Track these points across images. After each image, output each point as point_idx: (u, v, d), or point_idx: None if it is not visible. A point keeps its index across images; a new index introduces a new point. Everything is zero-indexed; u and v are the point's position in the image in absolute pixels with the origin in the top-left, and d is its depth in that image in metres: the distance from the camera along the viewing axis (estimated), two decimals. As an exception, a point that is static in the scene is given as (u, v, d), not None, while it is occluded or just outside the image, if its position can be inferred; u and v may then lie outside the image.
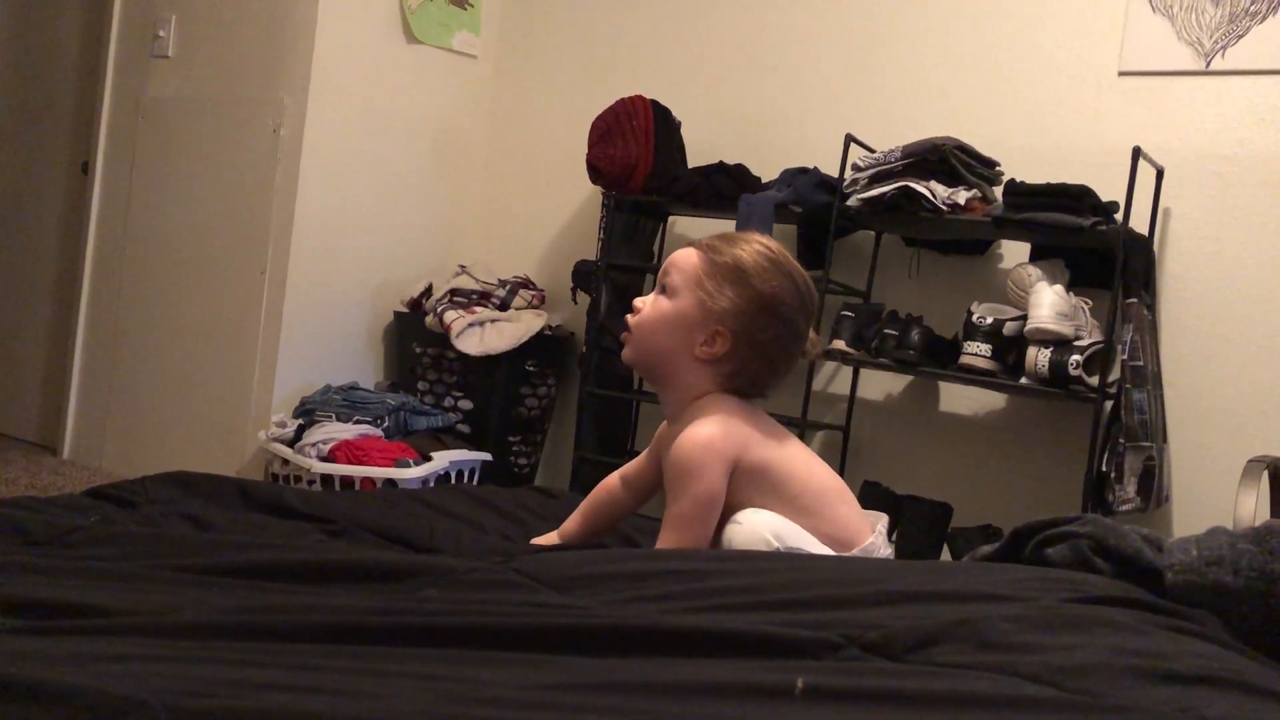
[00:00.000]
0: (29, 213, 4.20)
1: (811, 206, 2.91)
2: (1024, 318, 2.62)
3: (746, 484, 1.50)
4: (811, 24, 3.30)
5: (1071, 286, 2.67)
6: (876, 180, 2.79)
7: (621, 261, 3.29)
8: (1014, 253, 2.94)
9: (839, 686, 0.88)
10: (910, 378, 3.05)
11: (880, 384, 3.13)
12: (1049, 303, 2.56)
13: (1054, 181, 2.64)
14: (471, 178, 3.89)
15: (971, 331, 2.67)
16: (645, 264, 3.37)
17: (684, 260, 1.56)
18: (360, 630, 0.99)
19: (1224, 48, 2.71)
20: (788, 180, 2.99)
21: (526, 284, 3.61)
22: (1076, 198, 2.59)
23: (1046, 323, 2.55)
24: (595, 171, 3.26)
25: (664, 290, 1.56)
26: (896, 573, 1.22)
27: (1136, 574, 1.21)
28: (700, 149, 3.33)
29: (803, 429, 2.83)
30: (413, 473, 2.99)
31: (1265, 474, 2.31)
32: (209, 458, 3.36)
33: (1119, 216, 2.58)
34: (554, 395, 3.60)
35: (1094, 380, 2.56)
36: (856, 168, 2.85)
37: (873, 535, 1.52)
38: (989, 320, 2.66)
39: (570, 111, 3.63)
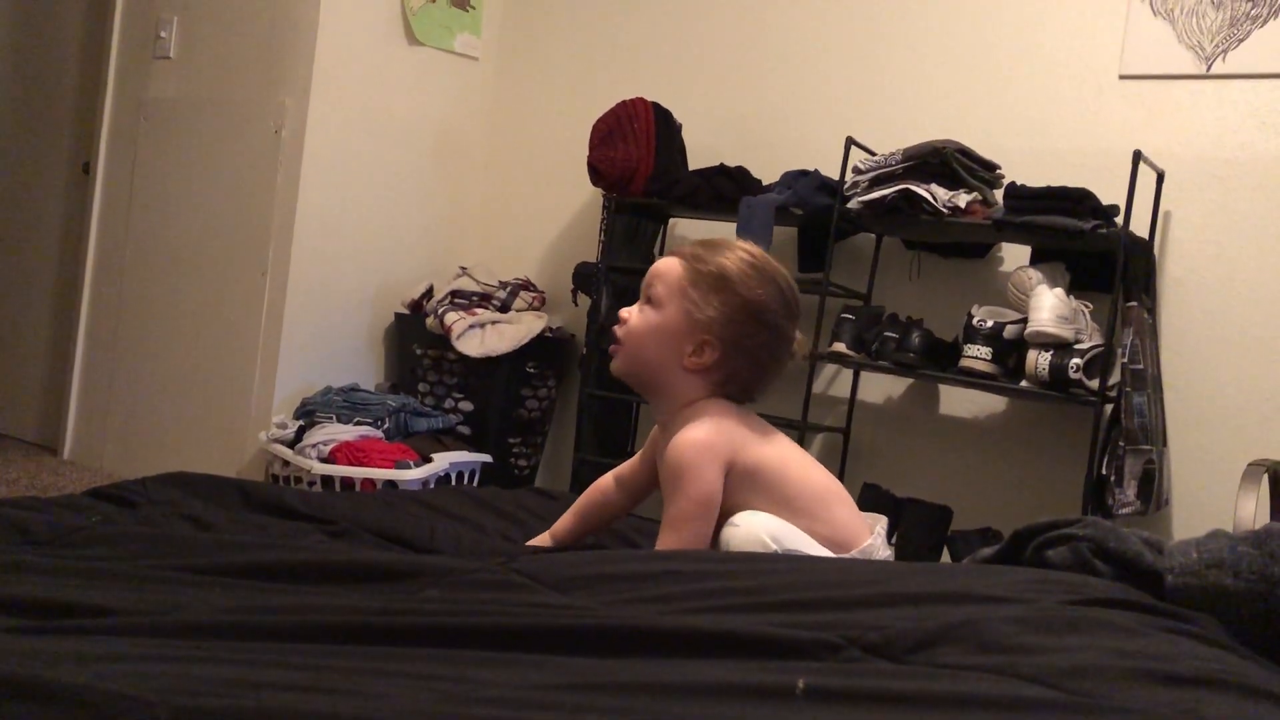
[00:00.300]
0: (30, 213, 4.21)
1: (812, 209, 2.91)
2: (1024, 321, 2.62)
3: (743, 486, 1.50)
4: (812, 27, 3.30)
5: (1072, 290, 2.67)
6: (877, 183, 2.79)
7: (622, 264, 3.29)
8: (1014, 256, 2.94)
9: (839, 687, 0.88)
10: (910, 381, 3.05)
11: (880, 387, 3.13)
12: (1049, 306, 2.56)
13: (1054, 185, 2.64)
14: (473, 179, 3.90)
15: (972, 334, 2.68)
16: (646, 266, 3.34)
17: (668, 270, 1.56)
18: (361, 630, 0.99)
19: (1225, 51, 2.71)
20: (788, 183, 2.99)
21: (527, 286, 3.61)
22: (1077, 201, 2.59)
23: (1047, 326, 2.55)
24: (596, 173, 3.26)
25: (649, 301, 1.57)
26: (897, 574, 1.22)
27: (1137, 576, 1.21)
28: (701, 151, 3.33)
29: (803, 431, 2.83)
30: (413, 474, 2.99)
31: (1265, 477, 2.31)
32: (209, 458, 3.36)
33: (1119, 220, 2.58)
34: (554, 397, 3.60)
35: (1094, 383, 2.56)
36: (857, 170, 2.85)
37: (871, 537, 1.52)
38: (989, 323, 2.66)
39: (571, 113, 3.63)
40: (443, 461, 3.10)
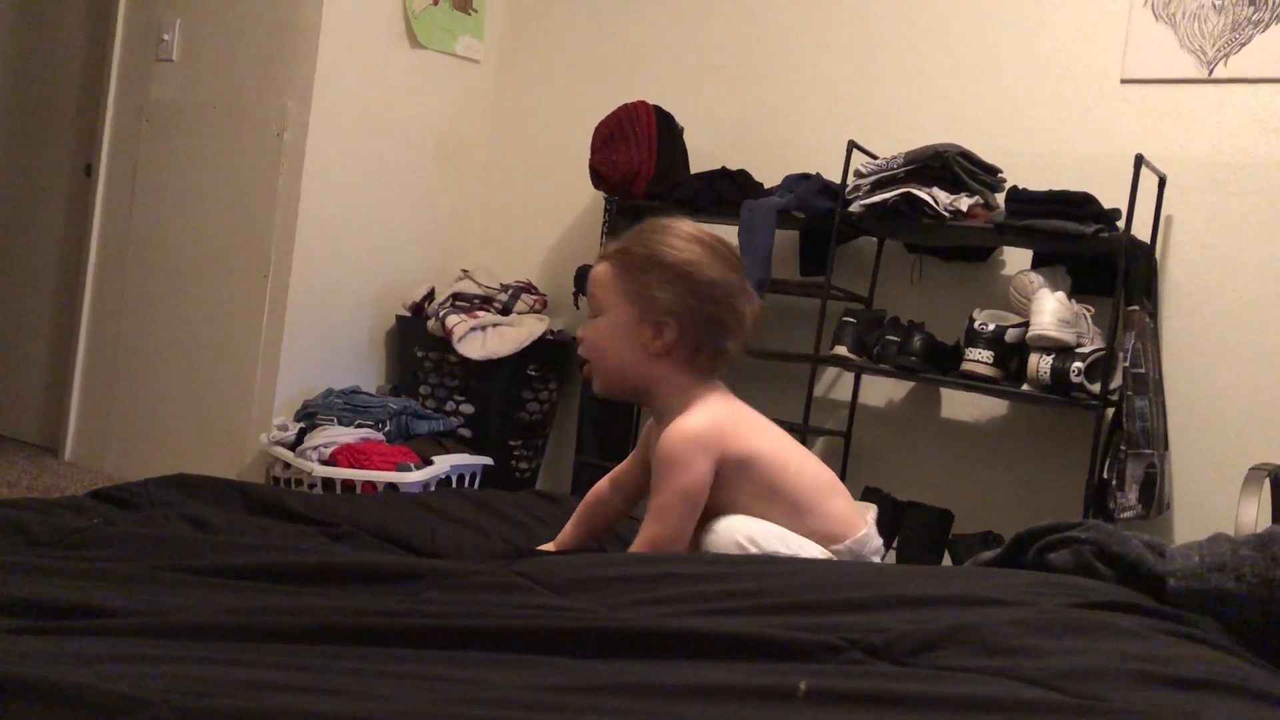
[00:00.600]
0: (32, 215, 4.21)
1: (814, 212, 2.91)
2: (1026, 324, 2.62)
3: (736, 477, 1.50)
4: (814, 30, 3.31)
5: (1073, 293, 2.67)
6: (879, 186, 2.80)
7: (623, 266, 3.29)
8: (1016, 259, 2.94)
9: (841, 689, 0.88)
10: (912, 384, 3.05)
11: (882, 390, 3.13)
12: (1051, 309, 2.56)
13: (1056, 188, 2.64)
14: (474, 182, 3.90)
15: (973, 338, 2.68)
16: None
17: (600, 274, 1.58)
18: (363, 631, 0.99)
19: (1226, 56, 2.71)
20: (790, 186, 2.99)
21: (529, 288, 3.61)
22: (1079, 205, 2.59)
23: (1048, 329, 2.55)
24: (598, 177, 3.26)
25: (597, 311, 1.58)
26: (898, 577, 1.22)
27: (1138, 580, 1.21)
28: (703, 155, 3.33)
29: (804, 435, 2.82)
30: (414, 477, 2.99)
31: (1267, 481, 2.31)
32: (210, 460, 3.36)
33: (1121, 224, 2.58)
34: (555, 400, 3.60)
35: (1095, 387, 2.56)
36: (859, 174, 2.85)
37: (866, 526, 1.53)
38: (991, 327, 2.66)
39: (573, 117, 3.63)
40: (444, 464, 3.10)
